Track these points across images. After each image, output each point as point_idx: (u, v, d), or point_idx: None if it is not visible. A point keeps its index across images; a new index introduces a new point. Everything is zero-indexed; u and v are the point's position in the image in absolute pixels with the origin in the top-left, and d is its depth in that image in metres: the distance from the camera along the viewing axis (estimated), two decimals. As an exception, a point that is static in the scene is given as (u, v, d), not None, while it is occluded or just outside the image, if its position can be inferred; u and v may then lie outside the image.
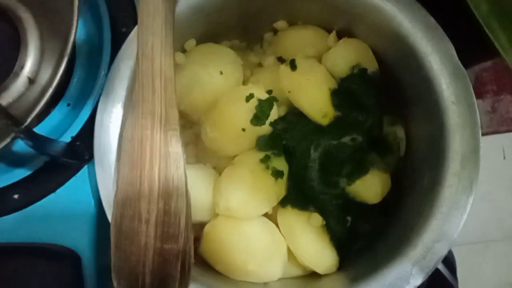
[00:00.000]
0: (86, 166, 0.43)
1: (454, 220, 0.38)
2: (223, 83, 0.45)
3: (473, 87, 0.39)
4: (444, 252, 0.37)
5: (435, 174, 0.40)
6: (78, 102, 0.46)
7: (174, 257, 0.37)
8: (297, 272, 0.45)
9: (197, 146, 0.48)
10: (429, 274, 0.37)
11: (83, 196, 0.43)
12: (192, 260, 0.38)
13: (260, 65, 0.50)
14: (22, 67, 0.45)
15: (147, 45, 0.39)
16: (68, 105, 0.46)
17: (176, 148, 0.38)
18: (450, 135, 0.39)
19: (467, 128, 0.39)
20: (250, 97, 0.43)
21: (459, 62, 0.40)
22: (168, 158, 0.38)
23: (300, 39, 0.47)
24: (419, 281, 0.37)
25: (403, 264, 0.38)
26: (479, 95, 0.62)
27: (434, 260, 0.37)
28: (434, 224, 0.38)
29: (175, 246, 0.37)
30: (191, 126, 0.48)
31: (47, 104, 0.37)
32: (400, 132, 0.48)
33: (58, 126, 0.45)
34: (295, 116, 0.45)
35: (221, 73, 0.45)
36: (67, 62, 0.38)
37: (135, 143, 0.38)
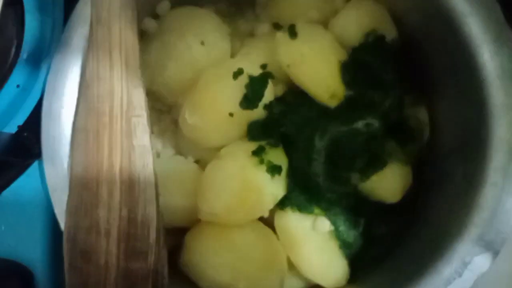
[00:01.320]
0: (36, 162, 0.35)
1: (499, 227, 0.30)
2: (204, 55, 0.36)
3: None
4: (485, 268, 0.29)
5: (472, 169, 0.32)
6: (30, 82, 0.38)
7: (143, 279, 0.29)
8: (298, 285, 0.37)
9: (177, 135, 0.39)
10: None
11: (34, 199, 0.34)
12: (166, 281, 0.30)
13: (252, 34, 0.41)
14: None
15: (102, 6, 0.30)
16: (18, 86, 0.37)
17: (142, 140, 0.30)
18: (493, 119, 0.31)
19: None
20: (238, 73, 0.34)
21: (508, 27, 0.31)
22: (132, 153, 0.30)
23: (301, 1, 0.38)
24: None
25: (433, 282, 0.30)
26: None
27: (473, 279, 0.29)
28: (473, 232, 0.30)
29: (143, 265, 0.29)
30: (169, 111, 0.40)
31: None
32: (423, 114, 0.39)
33: (4, 114, 0.37)
34: (295, 97, 0.37)
35: (203, 43, 0.36)
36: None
37: (90, 134, 0.30)
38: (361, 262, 0.37)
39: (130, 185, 0.29)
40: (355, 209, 0.37)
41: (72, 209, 0.30)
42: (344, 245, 0.36)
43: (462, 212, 0.31)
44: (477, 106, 0.32)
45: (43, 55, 0.37)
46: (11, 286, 0.33)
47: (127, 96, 0.30)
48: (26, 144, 0.34)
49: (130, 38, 0.31)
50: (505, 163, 0.30)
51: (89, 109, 0.30)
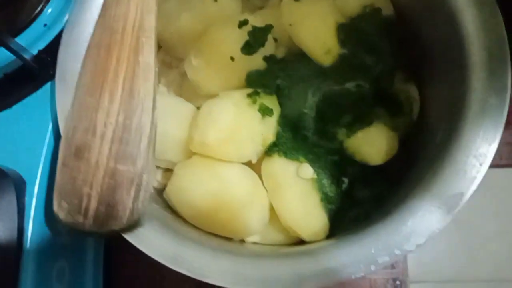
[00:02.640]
0: (48, 84, 0.38)
1: (471, 172, 0.31)
2: (216, 11, 0.40)
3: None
4: (456, 208, 0.30)
5: (449, 128, 0.34)
6: (55, 22, 0.41)
7: (128, 180, 0.31)
8: (278, 238, 0.38)
9: (181, 87, 0.42)
10: (437, 232, 0.30)
11: (41, 116, 0.37)
12: (150, 188, 0.32)
13: (262, 8, 0.44)
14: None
15: None
16: (45, 25, 0.41)
17: (147, 57, 0.33)
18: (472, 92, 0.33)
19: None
20: (244, 23, 0.37)
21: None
22: (136, 68, 0.32)
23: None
24: (422, 240, 0.30)
25: (403, 220, 0.31)
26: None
27: (444, 216, 0.30)
28: (446, 175, 0.31)
29: (131, 168, 0.31)
30: (177, 65, 0.43)
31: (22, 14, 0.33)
32: (414, 91, 0.41)
33: (31, 44, 0.40)
34: (295, 57, 0.39)
35: (216, 0, 0.40)
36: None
37: (102, 49, 0.33)
38: (340, 221, 0.38)
39: (130, 94, 0.32)
40: (340, 167, 0.38)
41: (75, 113, 0.32)
42: (326, 199, 0.37)
43: (438, 162, 0.32)
44: (459, 82, 0.34)
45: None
46: (3, 190, 0.35)
47: (140, 19, 0.33)
48: (43, 65, 0.37)
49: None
50: (479, 115, 0.32)
51: (104, 27, 0.33)
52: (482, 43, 0.33)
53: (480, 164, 0.30)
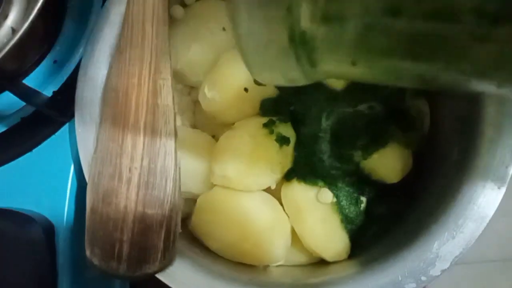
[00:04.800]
0: (67, 125, 0.38)
1: (491, 194, 0.32)
2: (224, 39, 0.40)
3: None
4: (478, 232, 0.31)
5: (466, 145, 0.35)
6: (66, 58, 0.42)
7: (157, 224, 0.32)
8: (301, 259, 0.39)
9: (195, 114, 0.43)
10: (459, 256, 0.31)
11: (62, 157, 0.38)
12: (179, 229, 0.33)
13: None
14: (5, 17, 0.41)
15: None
16: (55, 61, 0.42)
17: (166, 100, 0.33)
18: (485, 106, 0.34)
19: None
20: (255, 53, 0.38)
21: None
22: (156, 111, 0.33)
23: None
24: (446, 265, 0.31)
25: (427, 244, 0.32)
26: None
27: (466, 240, 0.31)
28: (465, 198, 0.32)
29: (159, 211, 0.32)
30: (189, 93, 0.43)
31: (29, 55, 0.33)
32: (424, 105, 0.42)
33: (42, 83, 0.41)
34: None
35: (224, 29, 0.40)
36: (42, 4, 0.33)
37: (120, 93, 0.33)
38: (361, 239, 0.39)
39: (153, 138, 0.32)
40: (357, 187, 0.39)
41: (98, 159, 0.33)
42: (346, 220, 0.38)
43: (456, 182, 0.33)
44: (473, 99, 0.35)
45: (80, 35, 0.42)
46: (34, 235, 0.36)
47: (155, 62, 0.34)
48: (59, 107, 0.38)
49: (161, 12, 0.35)
50: (495, 136, 0.33)
51: (120, 71, 0.34)
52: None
53: (499, 188, 0.31)
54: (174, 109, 0.34)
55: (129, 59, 0.34)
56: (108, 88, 0.34)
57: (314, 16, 0.20)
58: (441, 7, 0.17)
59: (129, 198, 0.32)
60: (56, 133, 0.38)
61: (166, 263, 0.31)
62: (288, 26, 0.20)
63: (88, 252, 0.32)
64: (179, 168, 0.33)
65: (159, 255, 0.31)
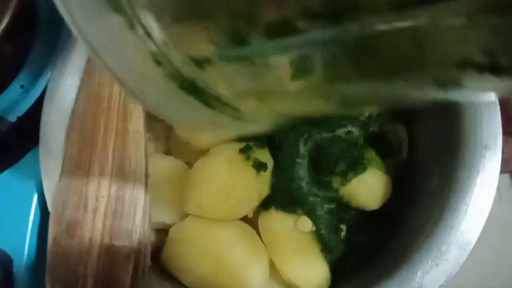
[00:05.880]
0: (30, 153, 0.36)
1: (473, 220, 0.31)
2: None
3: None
4: (462, 259, 0.30)
5: (445, 170, 0.34)
6: (33, 83, 0.40)
7: (125, 257, 0.29)
8: (280, 291, 0.37)
9: (168, 141, 0.41)
10: (444, 285, 0.30)
11: (24, 187, 0.35)
12: (148, 262, 0.30)
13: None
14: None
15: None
16: (22, 86, 0.40)
17: (137, 125, 0.32)
18: (463, 128, 0.33)
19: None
20: (230, 78, 0.37)
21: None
22: (126, 136, 0.31)
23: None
24: (432, 293, 0.29)
25: (411, 273, 0.31)
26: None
27: (450, 268, 0.30)
28: (448, 224, 0.31)
29: (127, 243, 0.30)
30: (162, 119, 0.42)
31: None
32: (401, 130, 0.42)
33: (7, 109, 0.38)
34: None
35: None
36: (6, 26, 0.32)
37: (87, 117, 0.32)
38: (341, 269, 0.38)
39: (122, 165, 0.31)
40: (337, 215, 0.38)
41: (63, 187, 0.31)
42: (326, 249, 0.37)
43: (438, 209, 0.33)
44: (450, 120, 0.35)
45: (49, 60, 0.40)
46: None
47: None
48: (23, 133, 0.36)
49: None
50: (476, 160, 0.32)
51: (89, 95, 0.32)
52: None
53: (481, 213, 0.31)
54: (145, 134, 0.32)
55: (98, 82, 0.32)
56: (76, 113, 0.32)
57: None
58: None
59: (94, 229, 0.29)
60: (19, 162, 0.36)
61: None
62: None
63: None
64: (149, 197, 0.31)
65: None
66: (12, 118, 0.36)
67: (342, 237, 0.38)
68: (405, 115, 0.42)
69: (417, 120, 0.41)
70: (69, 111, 0.34)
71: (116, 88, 0.32)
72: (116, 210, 0.30)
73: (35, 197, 0.35)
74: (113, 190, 0.30)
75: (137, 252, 0.30)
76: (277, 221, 0.36)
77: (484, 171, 0.32)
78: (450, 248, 0.30)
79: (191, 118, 0.20)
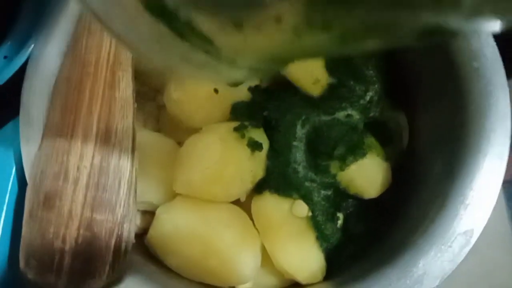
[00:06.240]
0: (10, 125, 0.34)
1: (480, 205, 0.29)
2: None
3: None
4: (468, 246, 0.28)
5: (450, 157, 0.32)
6: (17, 54, 0.38)
7: (107, 232, 0.27)
8: (272, 282, 0.35)
9: (159, 121, 0.39)
10: (449, 273, 0.28)
11: (2, 160, 0.33)
12: (132, 239, 0.28)
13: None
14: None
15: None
16: (5, 57, 0.38)
17: (124, 93, 0.30)
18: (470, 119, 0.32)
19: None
20: (226, 52, 0.35)
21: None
22: (112, 104, 0.29)
23: None
24: (435, 282, 0.27)
25: (413, 260, 0.29)
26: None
27: (455, 255, 0.28)
28: (452, 211, 0.29)
29: (110, 217, 0.27)
30: (154, 97, 0.40)
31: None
32: (402, 118, 0.40)
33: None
34: (280, 87, 0.37)
35: (194, 29, 0.37)
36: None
37: (72, 83, 0.30)
38: (337, 259, 0.35)
39: (107, 134, 0.29)
40: (334, 202, 0.36)
41: (42, 156, 0.28)
42: (322, 237, 0.35)
43: (440, 199, 0.31)
44: (456, 111, 0.33)
45: (34, 31, 0.38)
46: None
47: (114, 52, 0.30)
48: (4, 103, 0.33)
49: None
50: (483, 146, 0.31)
51: (75, 60, 0.30)
52: (477, 70, 0.32)
53: (488, 198, 0.29)
54: (133, 104, 0.30)
55: (85, 46, 0.30)
56: (60, 78, 0.30)
57: None
58: None
59: (75, 201, 0.27)
60: (-2, 131, 0.34)
61: (114, 279, 0.27)
62: None
63: (22, 264, 0.27)
64: (136, 170, 0.29)
65: (107, 268, 0.27)
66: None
67: (338, 225, 0.36)
68: (406, 103, 0.40)
69: (418, 108, 0.39)
70: (53, 79, 0.32)
71: (104, 54, 0.30)
72: (99, 181, 0.28)
73: (13, 169, 0.32)
74: (97, 160, 0.28)
75: (121, 227, 0.27)
76: (272, 205, 0.34)
77: (492, 155, 0.30)
78: (455, 234, 0.29)
79: (162, 54, 0.18)
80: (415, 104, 0.39)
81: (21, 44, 0.38)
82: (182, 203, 0.33)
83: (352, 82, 0.36)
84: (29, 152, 0.30)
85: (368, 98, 0.37)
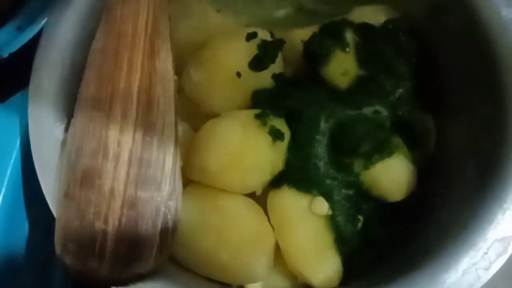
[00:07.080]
0: (18, 96, 0.32)
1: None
2: (218, 22, 0.35)
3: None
4: (504, 255, 0.26)
5: (486, 161, 0.30)
6: (31, 25, 0.36)
7: (153, 210, 0.25)
8: (283, 283, 0.33)
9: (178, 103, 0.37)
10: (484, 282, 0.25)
11: (7, 131, 0.31)
12: (178, 217, 0.26)
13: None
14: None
15: None
16: (19, 28, 0.36)
17: (165, 63, 0.28)
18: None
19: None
20: (252, 35, 0.33)
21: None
22: (153, 75, 0.27)
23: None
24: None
25: (443, 267, 0.26)
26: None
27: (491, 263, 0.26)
28: (488, 216, 0.27)
29: (155, 194, 0.25)
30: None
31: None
32: (429, 121, 0.38)
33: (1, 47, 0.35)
34: (305, 78, 0.35)
35: (219, 11, 0.36)
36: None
37: (108, 53, 0.28)
38: (355, 265, 0.33)
39: (148, 107, 0.26)
40: (355, 203, 0.34)
41: (77, 132, 0.26)
42: (340, 239, 0.32)
43: (474, 205, 0.28)
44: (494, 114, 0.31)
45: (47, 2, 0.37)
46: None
47: (152, 20, 0.29)
48: (14, 70, 0.32)
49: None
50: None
51: (109, 30, 0.28)
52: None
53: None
54: (173, 75, 0.28)
55: (120, 15, 0.28)
56: (94, 49, 0.28)
57: None
58: None
59: (116, 179, 0.25)
60: (5, 102, 0.32)
61: (161, 261, 0.24)
62: None
63: (58, 249, 0.24)
64: (178, 145, 0.27)
65: (154, 250, 0.24)
66: (4, 53, 0.32)
67: (358, 228, 0.34)
68: (435, 107, 0.38)
69: (449, 113, 0.37)
70: (69, 48, 0.30)
71: (141, 22, 0.28)
72: (142, 157, 0.25)
73: (18, 141, 0.30)
74: (139, 134, 0.26)
75: (167, 204, 0.25)
76: (289, 200, 0.32)
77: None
78: (491, 241, 0.26)
79: None
80: (446, 108, 0.37)
81: (35, 15, 0.36)
82: (196, 191, 0.30)
83: (382, 76, 0.34)
84: (37, 125, 0.28)
85: (397, 95, 0.35)
